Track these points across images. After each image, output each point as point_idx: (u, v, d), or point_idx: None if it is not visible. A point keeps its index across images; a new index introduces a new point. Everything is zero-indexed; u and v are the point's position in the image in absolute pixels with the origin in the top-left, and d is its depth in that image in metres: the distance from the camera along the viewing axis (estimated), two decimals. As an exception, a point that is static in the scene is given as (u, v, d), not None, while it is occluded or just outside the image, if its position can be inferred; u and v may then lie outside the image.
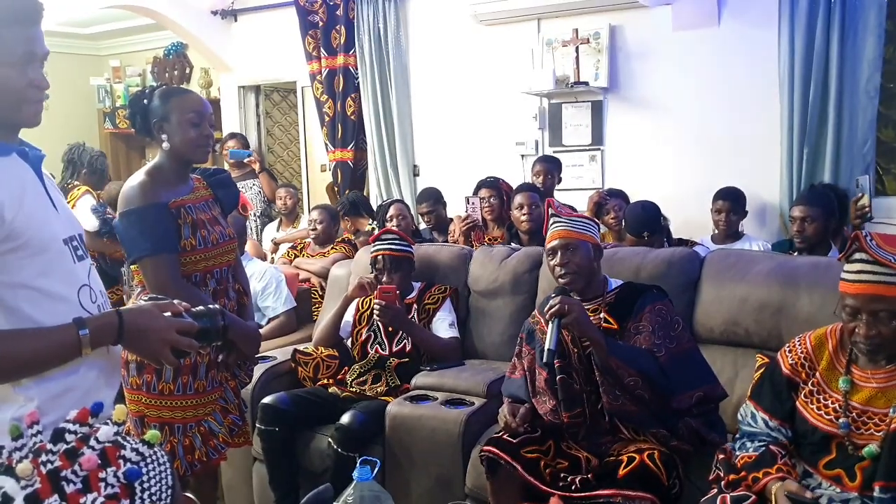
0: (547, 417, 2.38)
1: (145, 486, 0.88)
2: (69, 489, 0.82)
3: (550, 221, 2.47)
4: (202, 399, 2.26)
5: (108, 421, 0.91)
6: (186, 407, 2.23)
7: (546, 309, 2.23)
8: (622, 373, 2.19)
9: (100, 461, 0.84)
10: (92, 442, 0.86)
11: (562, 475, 2.22)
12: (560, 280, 2.40)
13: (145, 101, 2.24)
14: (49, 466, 0.82)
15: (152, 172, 2.22)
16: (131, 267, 2.28)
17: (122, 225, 2.19)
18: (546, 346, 2.16)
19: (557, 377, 2.34)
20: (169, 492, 0.89)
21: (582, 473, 2.21)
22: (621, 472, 2.12)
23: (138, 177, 2.20)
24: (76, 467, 0.83)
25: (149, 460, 0.90)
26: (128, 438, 0.90)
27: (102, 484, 0.83)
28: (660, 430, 2.25)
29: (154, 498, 0.87)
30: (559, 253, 2.39)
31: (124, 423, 0.91)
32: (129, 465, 0.87)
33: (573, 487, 2.15)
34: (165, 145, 2.21)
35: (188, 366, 2.20)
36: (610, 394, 2.24)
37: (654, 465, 2.12)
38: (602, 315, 2.37)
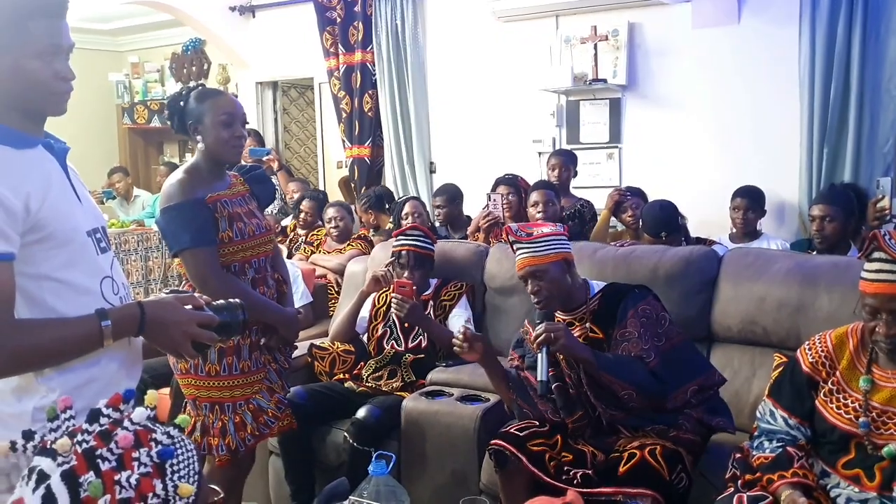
0: (551, 416, 2.38)
1: (175, 467, 0.89)
2: (104, 467, 0.84)
3: (514, 248, 2.41)
4: (248, 378, 2.39)
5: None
6: (234, 386, 2.36)
7: (533, 338, 2.21)
8: (615, 387, 2.19)
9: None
10: (126, 423, 0.87)
11: (566, 468, 2.21)
12: (536, 306, 2.37)
13: (182, 102, 2.36)
14: (84, 445, 0.84)
15: (190, 171, 2.35)
16: (174, 260, 2.38)
17: (163, 220, 2.34)
18: (539, 378, 2.17)
19: (553, 385, 2.33)
20: (196, 476, 0.91)
21: (587, 468, 2.21)
22: (622, 469, 2.11)
23: (177, 175, 2.33)
24: (112, 445, 0.85)
25: (178, 444, 0.91)
26: (157, 424, 0.92)
27: (136, 463, 0.85)
28: (655, 426, 2.25)
29: (183, 480, 0.89)
30: (529, 282, 2.35)
31: (155, 408, 0.92)
32: (160, 446, 0.89)
33: (575, 482, 2.14)
34: (200, 146, 2.33)
35: (232, 347, 2.32)
36: (603, 405, 2.26)
37: (654, 460, 2.10)
38: (588, 325, 2.35)
